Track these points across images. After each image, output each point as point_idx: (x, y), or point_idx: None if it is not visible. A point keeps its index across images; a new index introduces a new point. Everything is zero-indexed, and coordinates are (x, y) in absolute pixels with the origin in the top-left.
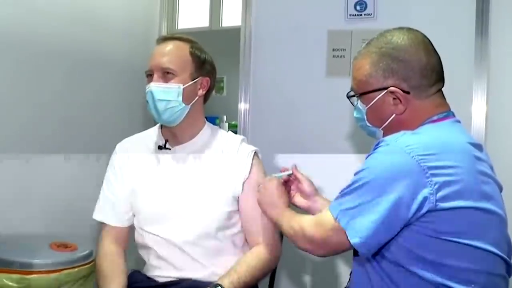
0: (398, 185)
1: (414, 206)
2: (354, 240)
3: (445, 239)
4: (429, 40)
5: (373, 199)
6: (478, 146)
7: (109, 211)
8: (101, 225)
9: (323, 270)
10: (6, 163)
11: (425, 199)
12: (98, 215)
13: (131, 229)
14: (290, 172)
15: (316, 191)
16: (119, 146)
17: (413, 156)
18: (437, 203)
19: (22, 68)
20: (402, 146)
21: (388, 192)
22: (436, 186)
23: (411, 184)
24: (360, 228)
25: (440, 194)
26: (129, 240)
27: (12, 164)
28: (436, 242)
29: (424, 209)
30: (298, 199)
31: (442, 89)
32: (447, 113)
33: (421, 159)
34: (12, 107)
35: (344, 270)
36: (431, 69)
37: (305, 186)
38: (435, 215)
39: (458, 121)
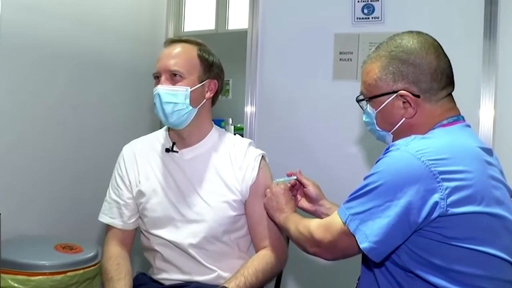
0: (409, 190)
1: (425, 211)
2: (364, 245)
3: (455, 245)
4: (438, 43)
5: (383, 203)
6: (489, 151)
7: (115, 213)
8: (107, 227)
9: (329, 274)
10: (10, 163)
11: (435, 204)
12: (104, 218)
13: (137, 231)
14: (295, 177)
15: (322, 195)
16: (125, 148)
17: (423, 161)
18: (448, 208)
19: (28, 70)
20: (412, 151)
21: (398, 197)
22: (447, 191)
23: (422, 189)
24: (370, 233)
25: (451, 199)
26: (134, 242)
27: (17, 165)
28: (446, 248)
29: (435, 214)
30: (304, 204)
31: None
32: (457, 117)
33: (432, 163)
34: (18, 108)
35: (351, 274)
36: (441, 73)
37: (311, 191)
38: (446, 220)
39: (468, 126)
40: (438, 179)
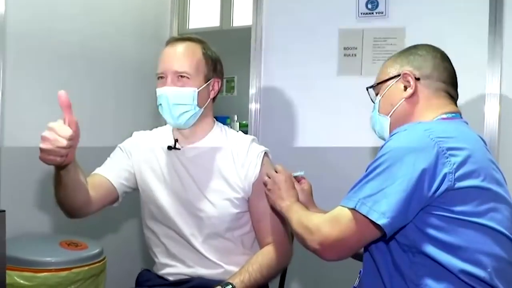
0: (420, 163)
1: (436, 182)
2: (382, 221)
3: (462, 219)
4: (448, 56)
5: (396, 180)
6: (484, 142)
7: (104, 166)
8: None
9: (332, 269)
10: (16, 162)
11: (445, 176)
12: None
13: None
14: (302, 173)
15: (312, 202)
16: (136, 134)
17: (432, 138)
18: (455, 182)
19: (32, 67)
20: (421, 129)
21: (410, 171)
22: (455, 166)
23: (433, 162)
24: (385, 209)
25: (458, 173)
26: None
27: (23, 163)
28: (453, 223)
29: (443, 187)
30: None
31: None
32: (455, 114)
33: (440, 140)
34: (22, 106)
35: (353, 269)
36: (444, 68)
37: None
38: (452, 195)
39: (466, 122)
40: (446, 155)
